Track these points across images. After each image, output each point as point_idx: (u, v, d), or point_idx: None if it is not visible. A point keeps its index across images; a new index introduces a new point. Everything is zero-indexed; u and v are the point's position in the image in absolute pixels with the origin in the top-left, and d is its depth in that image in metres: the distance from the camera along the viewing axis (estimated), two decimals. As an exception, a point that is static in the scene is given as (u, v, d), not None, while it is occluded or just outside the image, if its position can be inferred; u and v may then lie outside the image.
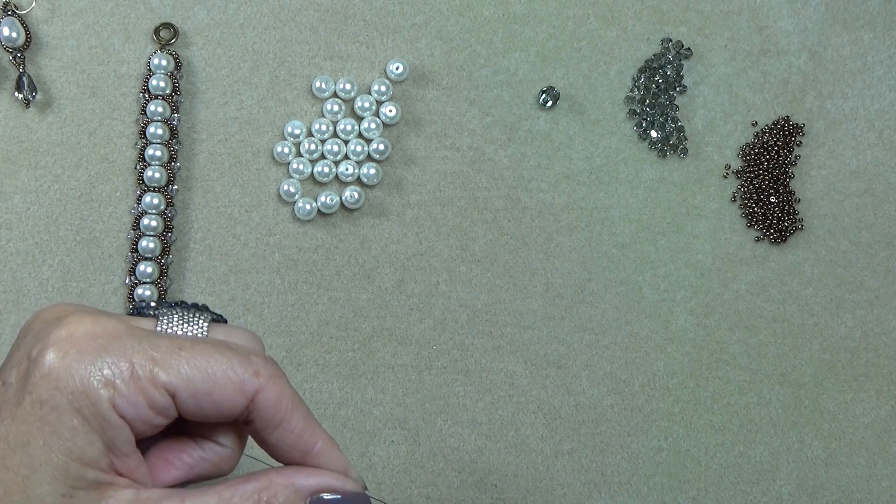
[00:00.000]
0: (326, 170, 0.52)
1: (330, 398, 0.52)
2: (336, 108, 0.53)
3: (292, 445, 0.36)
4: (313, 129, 0.53)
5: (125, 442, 0.32)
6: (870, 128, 0.56)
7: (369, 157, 0.53)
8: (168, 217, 0.51)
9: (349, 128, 0.53)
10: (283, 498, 0.35)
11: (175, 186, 0.51)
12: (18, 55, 0.50)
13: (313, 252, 0.52)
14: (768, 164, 0.55)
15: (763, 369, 0.55)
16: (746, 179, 0.55)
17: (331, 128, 0.53)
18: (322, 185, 0.53)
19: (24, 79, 0.50)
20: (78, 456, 0.31)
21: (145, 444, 0.35)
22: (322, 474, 0.36)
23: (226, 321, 0.36)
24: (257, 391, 0.33)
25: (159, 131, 0.51)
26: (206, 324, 0.35)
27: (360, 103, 0.53)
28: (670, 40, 0.55)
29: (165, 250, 0.51)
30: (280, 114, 0.53)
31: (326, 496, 0.36)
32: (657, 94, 0.55)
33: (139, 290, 0.50)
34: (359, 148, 0.53)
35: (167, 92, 0.51)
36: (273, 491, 0.35)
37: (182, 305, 0.35)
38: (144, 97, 0.51)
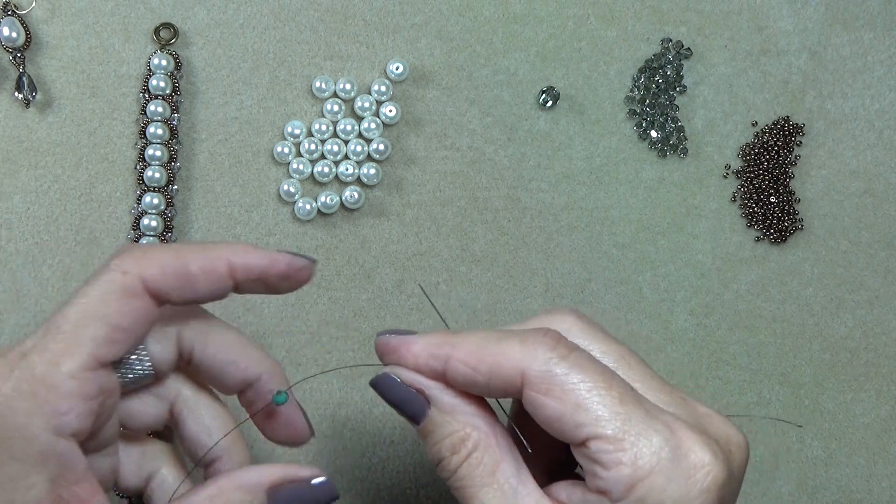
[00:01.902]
0: (326, 170, 0.52)
1: (330, 398, 0.52)
2: (336, 108, 0.53)
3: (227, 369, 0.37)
4: (313, 129, 0.53)
5: (72, 469, 0.31)
6: (870, 128, 0.56)
7: (369, 157, 0.53)
8: (168, 217, 0.51)
9: (349, 128, 0.53)
10: (239, 499, 0.35)
11: (175, 186, 0.51)
12: (18, 55, 0.50)
13: (313, 252, 0.52)
14: (768, 164, 0.55)
15: (763, 369, 0.55)
16: (746, 179, 0.55)
17: (331, 128, 0.53)
18: (322, 185, 0.53)
19: (24, 79, 0.50)
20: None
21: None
22: (273, 467, 0.36)
23: None
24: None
25: (159, 131, 0.51)
26: None
27: (360, 103, 0.53)
28: (670, 40, 0.55)
29: (165, 250, 0.51)
30: (280, 114, 0.53)
31: (286, 487, 0.35)
32: (657, 94, 0.55)
33: (139, 290, 0.50)
34: (359, 148, 0.53)
35: (167, 92, 0.51)
36: (225, 498, 0.34)
37: None
38: (144, 97, 0.51)
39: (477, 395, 0.36)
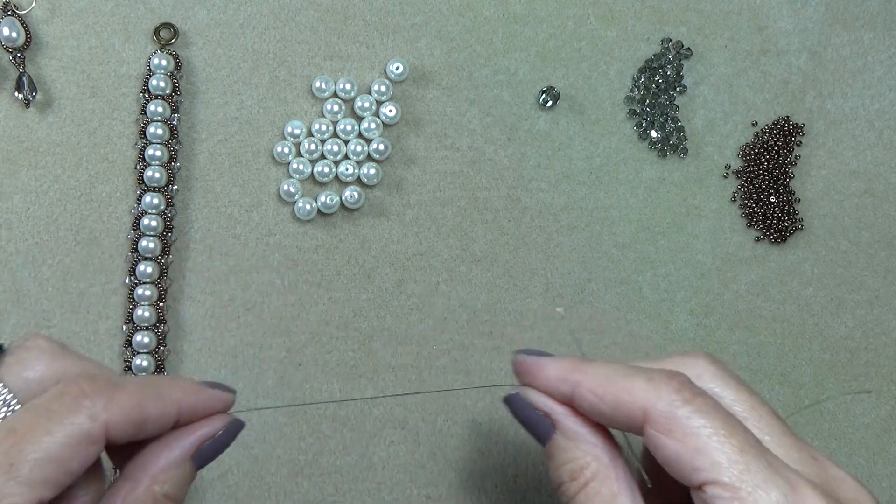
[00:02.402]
0: (326, 170, 0.52)
1: (330, 398, 0.52)
2: (336, 108, 0.53)
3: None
4: (313, 129, 0.53)
5: None
6: (870, 128, 0.56)
7: (369, 157, 0.53)
8: (168, 217, 0.51)
9: (349, 128, 0.53)
10: (164, 480, 0.35)
11: (175, 186, 0.51)
12: (18, 55, 0.50)
13: (313, 252, 0.52)
14: (768, 164, 0.55)
15: (763, 369, 0.55)
16: (746, 179, 0.55)
17: (331, 128, 0.53)
18: (322, 185, 0.53)
19: (24, 79, 0.50)
20: None
21: None
22: (184, 432, 0.37)
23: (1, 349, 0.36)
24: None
25: (159, 131, 0.51)
26: None
27: (360, 103, 0.53)
28: (670, 40, 0.55)
29: (165, 250, 0.51)
30: (280, 114, 0.53)
31: (205, 446, 0.37)
32: (657, 94, 0.55)
33: (139, 290, 0.50)
34: (359, 148, 0.53)
35: (167, 92, 0.51)
36: (142, 486, 0.35)
37: None
38: (144, 97, 0.51)
39: (602, 424, 0.37)
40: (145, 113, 0.51)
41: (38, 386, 0.35)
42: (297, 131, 0.52)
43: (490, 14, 0.54)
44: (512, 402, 0.39)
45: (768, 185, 0.55)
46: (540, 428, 0.38)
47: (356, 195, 0.52)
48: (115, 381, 0.35)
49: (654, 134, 0.55)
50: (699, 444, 0.33)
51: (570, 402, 0.37)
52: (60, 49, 0.51)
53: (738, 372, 0.55)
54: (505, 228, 0.54)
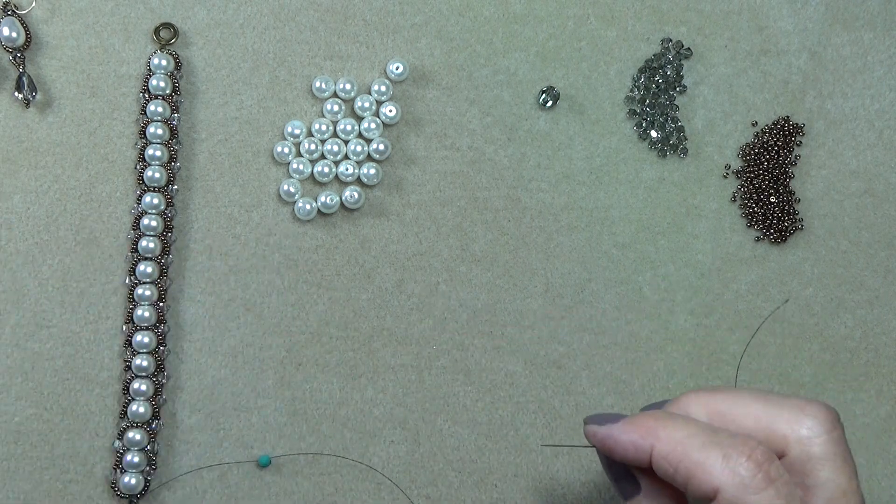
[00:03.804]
0: (326, 170, 0.52)
1: (330, 398, 0.52)
2: (336, 108, 0.53)
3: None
4: (313, 129, 0.53)
5: None
6: (870, 128, 0.56)
7: (369, 157, 0.53)
8: (168, 217, 0.51)
9: (349, 128, 0.53)
10: None
11: (175, 186, 0.51)
12: (18, 55, 0.50)
13: (313, 252, 0.52)
14: (768, 164, 0.55)
15: (763, 369, 0.55)
16: (746, 179, 0.55)
17: (331, 128, 0.53)
18: (322, 185, 0.53)
19: (24, 79, 0.50)
20: None
21: None
22: None
23: None
24: None
25: (159, 131, 0.51)
26: None
27: (360, 103, 0.53)
28: (670, 40, 0.55)
29: (165, 250, 0.51)
30: (280, 114, 0.53)
31: None
32: (657, 94, 0.55)
33: (139, 290, 0.50)
34: (359, 148, 0.53)
35: (167, 92, 0.51)
36: None
37: None
38: (144, 97, 0.51)
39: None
40: (145, 113, 0.51)
41: None
42: (297, 131, 0.52)
43: (490, 14, 0.54)
44: (600, 458, 0.40)
45: (768, 185, 0.55)
46: (623, 486, 0.39)
47: (356, 195, 0.52)
48: None
49: (654, 134, 0.55)
50: None
51: (649, 464, 0.37)
52: (60, 49, 0.51)
53: (738, 372, 0.55)
54: (505, 228, 0.54)
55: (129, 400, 0.50)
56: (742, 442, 0.35)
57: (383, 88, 0.53)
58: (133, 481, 0.49)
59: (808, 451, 0.35)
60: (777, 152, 0.55)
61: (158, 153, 0.51)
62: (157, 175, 0.51)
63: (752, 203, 0.55)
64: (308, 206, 0.52)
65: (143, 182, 0.51)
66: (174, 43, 0.52)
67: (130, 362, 0.50)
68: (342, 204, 0.53)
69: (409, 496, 0.52)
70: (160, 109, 0.51)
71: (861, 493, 0.35)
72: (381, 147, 0.53)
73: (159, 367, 0.50)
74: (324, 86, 0.52)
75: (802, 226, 0.56)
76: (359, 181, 0.53)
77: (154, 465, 0.50)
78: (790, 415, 0.35)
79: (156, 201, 0.51)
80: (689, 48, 0.55)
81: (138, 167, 0.51)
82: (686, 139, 0.55)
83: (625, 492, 0.39)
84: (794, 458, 0.35)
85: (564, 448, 0.53)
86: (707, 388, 0.38)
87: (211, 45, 0.52)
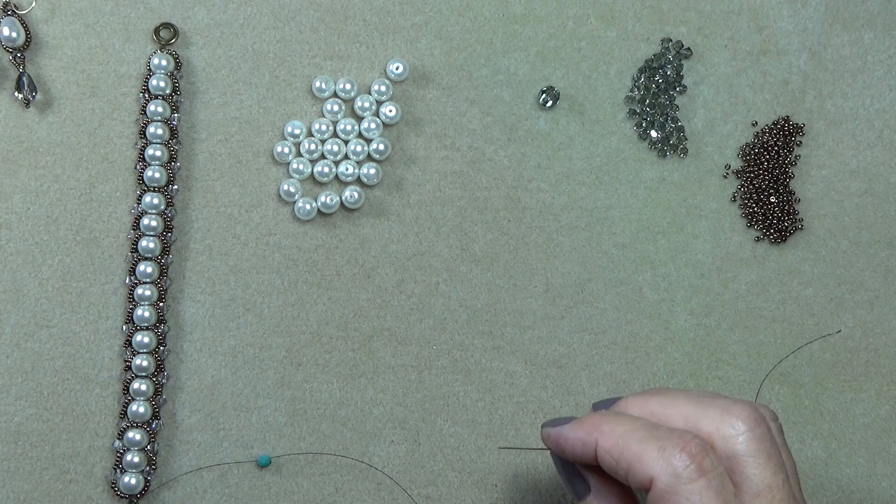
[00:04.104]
0: (326, 170, 0.52)
1: (330, 398, 0.52)
2: (336, 108, 0.53)
3: None
4: (313, 129, 0.53)
5: None
6: (870, 128, 0.56)
7: (369, 157, 0.53)
8: (168, 217, 0.51)
9: (349, 128, 0.53)
10: None
11: (175, 186, 0.51)
12: (18, 55, 0.50)
13: (313, 252, 0.52)
14: (768, 164, 0.55)
15: (763, 369, 0.55)
16: (746, 179, 0.55)
17: (331, 128, 0.53)
18: (322, 185, 0.53)
19: (24, 79, 0.50)
20: None
21: None
22: None
23: None
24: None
25: (159, 131, 0.51)
26: None
27: (360, 103, 0.53)
28: (670, 40, 0.55)
29: (165, 250, 0.51)
30: (280, 114, 0.53)
31: None
32: (657, 94, 0.55)
33: (139, 290, 0.50)
34: (359, 148, 0.53)
35: (167, 92, 0.51)
36: None
37: None
38: (144, 97, 0.51)
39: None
40: (145, 113, 0.51)
41: None
42: (297, 131, 0.52)
43: (490, 14, 0.54)
44: (553, 459, 0.42)
45: (768, 185, 0.55)
46: (575, 485, 0.41)
47: (356, 195, 0.52)
48: None
49: (654, 134, 0.55)
50: None
51: (595, 460, 0.39)
52: (60, 49, 0.51)
53: (738, 372, 0.55)
54: (505, 228, 0.54)
55: (129, 400, 0.50)
56: (678, 436, 0.37)
57: (383, 88, 0.53)
58: (133, 481, 0.49)
59: (733, 448, 0.37)
60: (777, 152, 0.55)
61: (158, 153, 0.51)
62: (157, 175, 0.51)
63: (752, 203, 0.55)
64: (308, 206, 0.52)
65: (143, 182, 0.51)
66: (174, 43, 0.52)
67: (130, 362, 0.50)
68: (342, 204, 0.53)
69: (410, 495, 0.52)
70: (160, 109, 0.51)
71: (790, 487, 0.37)
72: (381, 147, 0.53)
73: (159, 367, 0.50)
74: (324, 86, 0.52)
75: (802, 226, 0.56)
76: (359, 181, 0.53)
77: (154, 465, 0.50)
78: (716, 414, 0.37)
79: (156, 201, 0.51)
80: (689, 48, 0.55)
81: (138, 167, 0.51)
82: (686, 139, 0.55)
83: (577, 491, 0.41)
84: (720, 455, 0.37)
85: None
86: (645, 392, 0.40)
87: (211, 45, 0.52)
